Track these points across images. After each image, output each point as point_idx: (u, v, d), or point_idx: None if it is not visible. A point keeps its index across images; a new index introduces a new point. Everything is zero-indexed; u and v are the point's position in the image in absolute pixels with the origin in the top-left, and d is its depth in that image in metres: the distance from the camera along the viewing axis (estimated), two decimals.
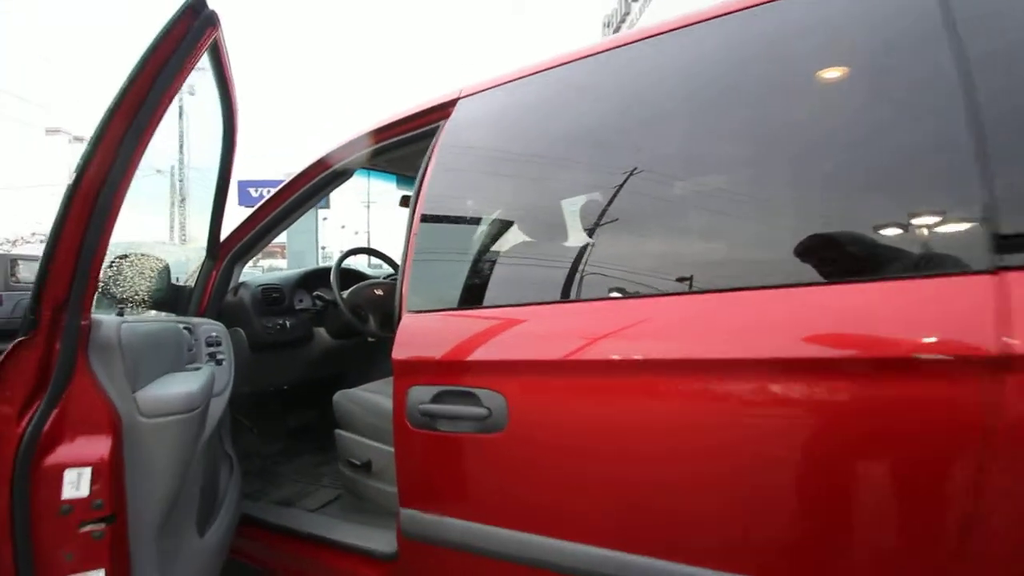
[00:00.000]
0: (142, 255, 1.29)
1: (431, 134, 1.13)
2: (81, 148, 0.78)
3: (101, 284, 1.05)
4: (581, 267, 0.87)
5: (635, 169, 0.83)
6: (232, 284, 1.55)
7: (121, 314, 0.85)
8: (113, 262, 1.20)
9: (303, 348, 1.70)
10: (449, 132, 1.07)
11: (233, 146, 1.28)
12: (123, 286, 1.22)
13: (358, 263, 2.19)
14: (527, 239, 1.05)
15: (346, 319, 1.57)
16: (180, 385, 0.88)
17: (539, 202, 1.08)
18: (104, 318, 0.83)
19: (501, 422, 0.81)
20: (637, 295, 0.80)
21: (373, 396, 1.37)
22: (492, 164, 1.05)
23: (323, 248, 17.84)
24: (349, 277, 1.81)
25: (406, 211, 1.09)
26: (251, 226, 1.46)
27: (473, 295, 0.96)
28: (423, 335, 0.94)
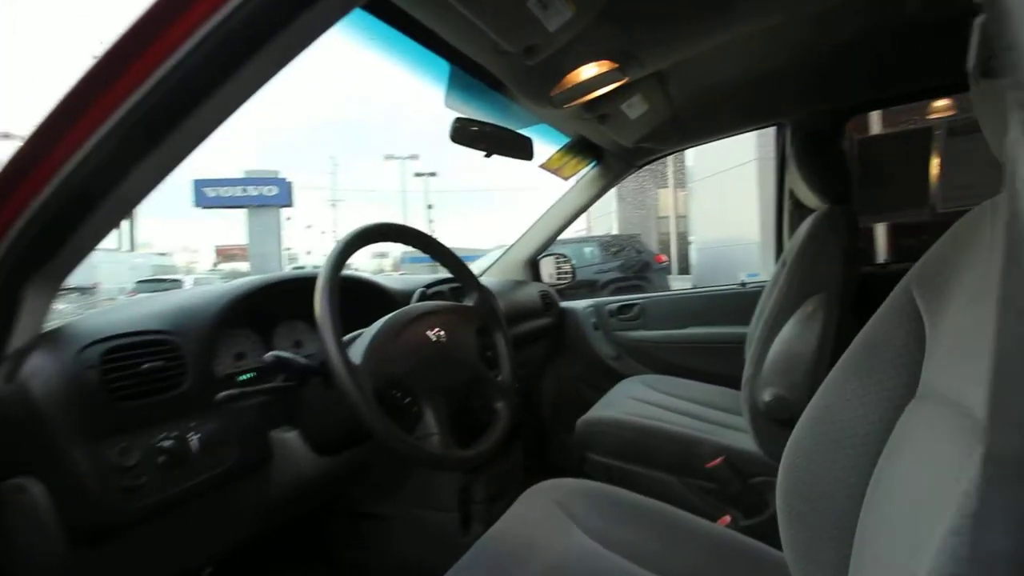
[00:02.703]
0: None
1: None
2: None
3: None
4: None
5: None
6: (14, 334, 0.52)
7: None
8: None
9: (245, 485, 0.67)
10: None
11: None
12: None
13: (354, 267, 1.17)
14: None
15: (366, 419, 0.56)
16: None
17: None
18: None
19: None
20: None
21: None
22: None
23: (287, 249, 15.80)
24: (354, 297, 0.77)
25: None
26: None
27: None
28: None
